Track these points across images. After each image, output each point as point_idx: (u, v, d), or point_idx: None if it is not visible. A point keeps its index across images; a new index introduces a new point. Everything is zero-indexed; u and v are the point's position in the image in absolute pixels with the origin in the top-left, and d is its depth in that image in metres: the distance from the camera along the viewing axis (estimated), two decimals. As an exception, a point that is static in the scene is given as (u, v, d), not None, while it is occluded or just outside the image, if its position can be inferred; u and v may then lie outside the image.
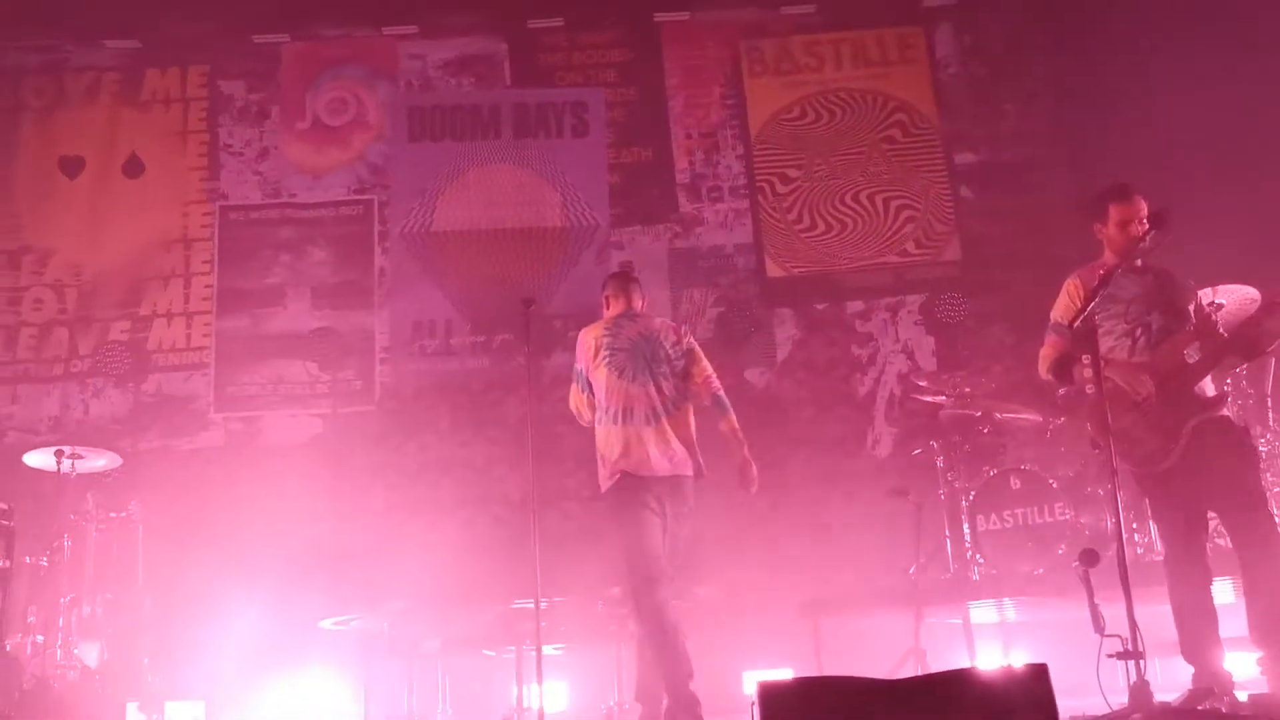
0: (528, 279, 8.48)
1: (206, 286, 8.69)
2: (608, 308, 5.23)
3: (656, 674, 4.52)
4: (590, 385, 4.91)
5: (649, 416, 4.83)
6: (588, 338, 5.01)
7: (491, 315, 8.40)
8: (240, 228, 8.82)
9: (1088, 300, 4.10)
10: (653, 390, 4.87)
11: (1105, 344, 4.35)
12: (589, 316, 8.73)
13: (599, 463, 4.95)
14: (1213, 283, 5.49)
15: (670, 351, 4.93)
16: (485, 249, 8.73)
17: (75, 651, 5.89)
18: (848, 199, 8.78)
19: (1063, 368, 4.45)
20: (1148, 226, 4.22)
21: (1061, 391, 5.61)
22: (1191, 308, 4.53)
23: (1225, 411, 4.38)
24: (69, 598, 5.97)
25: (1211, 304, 5.31)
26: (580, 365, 4.98)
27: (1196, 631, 4.09)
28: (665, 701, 4.56)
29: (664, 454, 4.82)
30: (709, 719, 6.26)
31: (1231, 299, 5.59)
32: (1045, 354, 4.62)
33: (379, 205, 8.88)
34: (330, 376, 8.47)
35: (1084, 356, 4.21)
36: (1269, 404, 5.64)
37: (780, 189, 8.86)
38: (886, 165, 8.81)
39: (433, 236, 8.81)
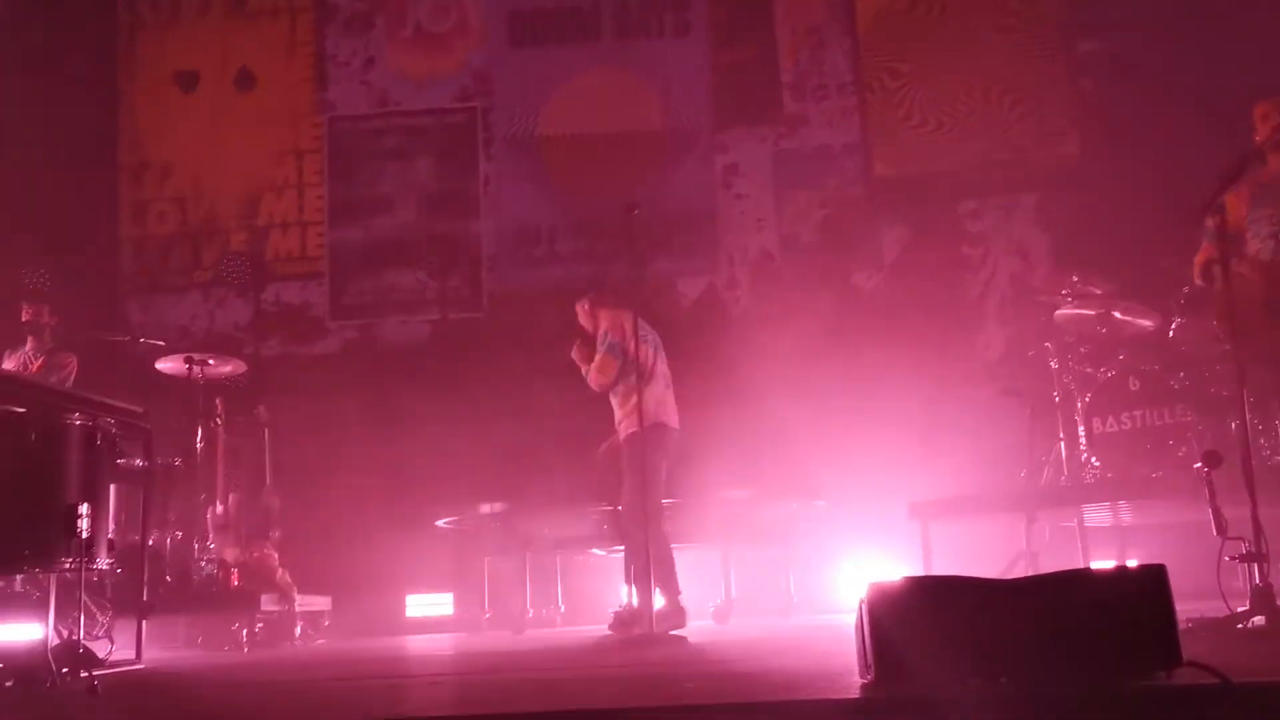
0: (631, 184, 8.43)
1: (318, 197, 8.89)
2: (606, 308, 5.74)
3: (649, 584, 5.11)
4: (624, 354, 5.51)
5: (668, 384, 5.72)
6: (623, 318, 5.56)
7: (596, 221, 8.40)
8: (349, 138, 8.96)
9: (1221, 188, 3.89)
10: (665, 367, 5.76)
11: (1252, 246, 4.22)
12: (693, 221, 8.81)
13: (630, 415, 5.40)
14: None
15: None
16: (588, 154, 8.70)
17: (211, 547, 6.22)
18: (960, 94, 8.47)
19: (1207, 269, 4.36)
20: None
21: (1186, 290, 5.40)
22: None
23: None
24: (204, 497, 6.30)
25: None
26: (616, 338, 5.52)
27: None
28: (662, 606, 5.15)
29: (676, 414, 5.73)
30: (817, 616, 6.37)
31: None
32: (1198, 259, 4.53)
33: (483, 112, 8.91)
34: (439, 284, 8.63)
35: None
36: None
37: (890, 85, 8.59)
38: (1002, 57, 8.45)
39: (536, 142, 8.82)
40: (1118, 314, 6.03)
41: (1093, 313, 6.06)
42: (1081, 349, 6.06)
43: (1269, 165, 4.51)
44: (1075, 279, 6.16)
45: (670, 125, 8.72)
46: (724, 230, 8.62)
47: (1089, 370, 5.99)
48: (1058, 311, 6.12)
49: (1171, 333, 5.79)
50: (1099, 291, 6.08)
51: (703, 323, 8.46)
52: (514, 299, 8.62)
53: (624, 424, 5.56)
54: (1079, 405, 5.91)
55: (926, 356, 7.94)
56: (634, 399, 5.36)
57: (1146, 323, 6.01)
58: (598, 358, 5.61)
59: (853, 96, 8.60)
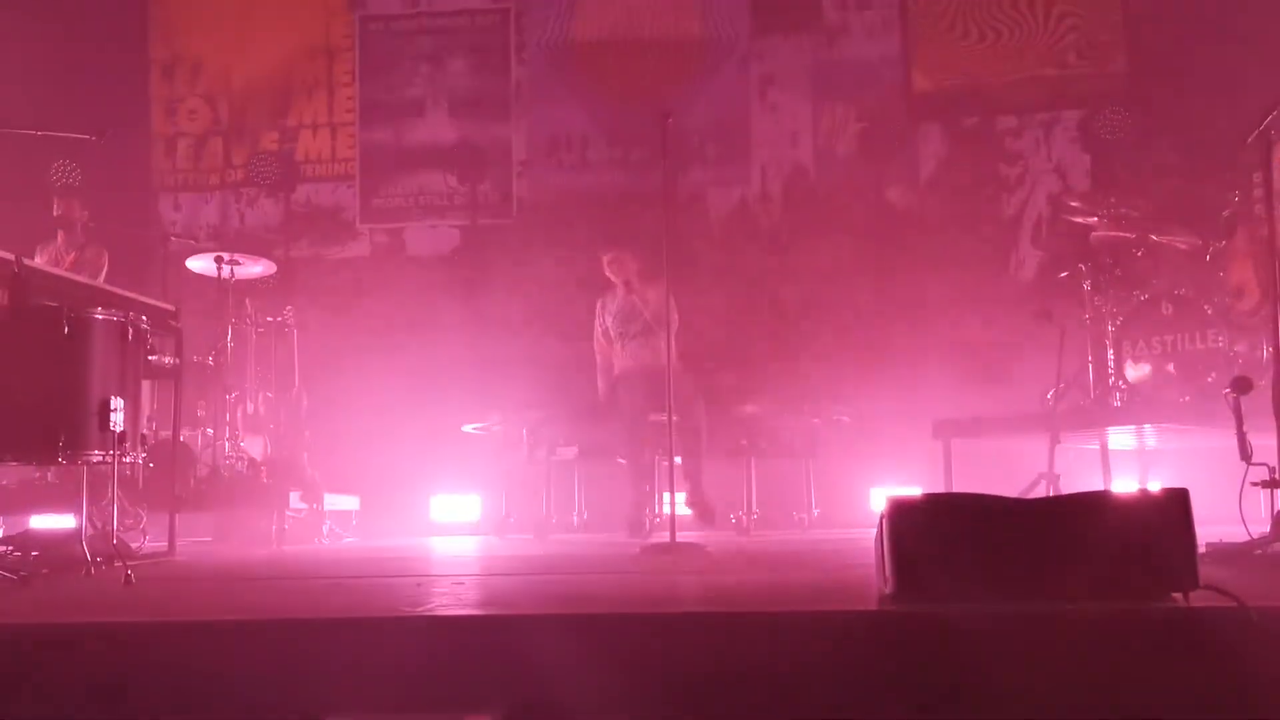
0: (666, 91, 8.30)
1: (349, 98, 8.81)
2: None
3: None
4: None
5: None
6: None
7: (629, 129, 8.29)
8: (380, 38, 8.83)
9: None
10: None
11: None
12: (728, 131, 8.68)
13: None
14: None
15: None
16: (622, 60, 8.55)
17: (241, 445, 6.32)
18: (1005, 5, 8.22)
19: None
20: None
21: (1226, 214, 5.29)
22: None
23: None
24: (234, 395, 6.37)
25: None
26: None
27: None
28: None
29: None
30: (837, 530, 6.43)
31: None
32: None
33: (516, 14, 8.75)
34: (469, 189, 8.59)
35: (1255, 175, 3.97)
36: None
37: (932, -7, 8.35)
38: (1050, -33, 8.18)
39: (570, 47, 8.67)
40: (1155, 237, 5.94)
41: (1130, 235, 5.97)
42: (1117, 271, 5.97)
43: None
44: (1113, 200, 6.05)
45: (707, 32, 8.54)
46: (758, 141, 8.49)
47: (1122, 293, 5.92)
48: (1094, 233, 6.03)
49: (1207, 257, 5.70)
50: (1137, 214, 5.98)
51: (733, 234, 8.39)
52: (544, 206, 8.57)
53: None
54: (1110, 328, 5.86)
55: (958, 275, 7.87)
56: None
57: (1184, 246, 5.91)
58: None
59: (894, 6, 8.37)
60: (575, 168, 8.60)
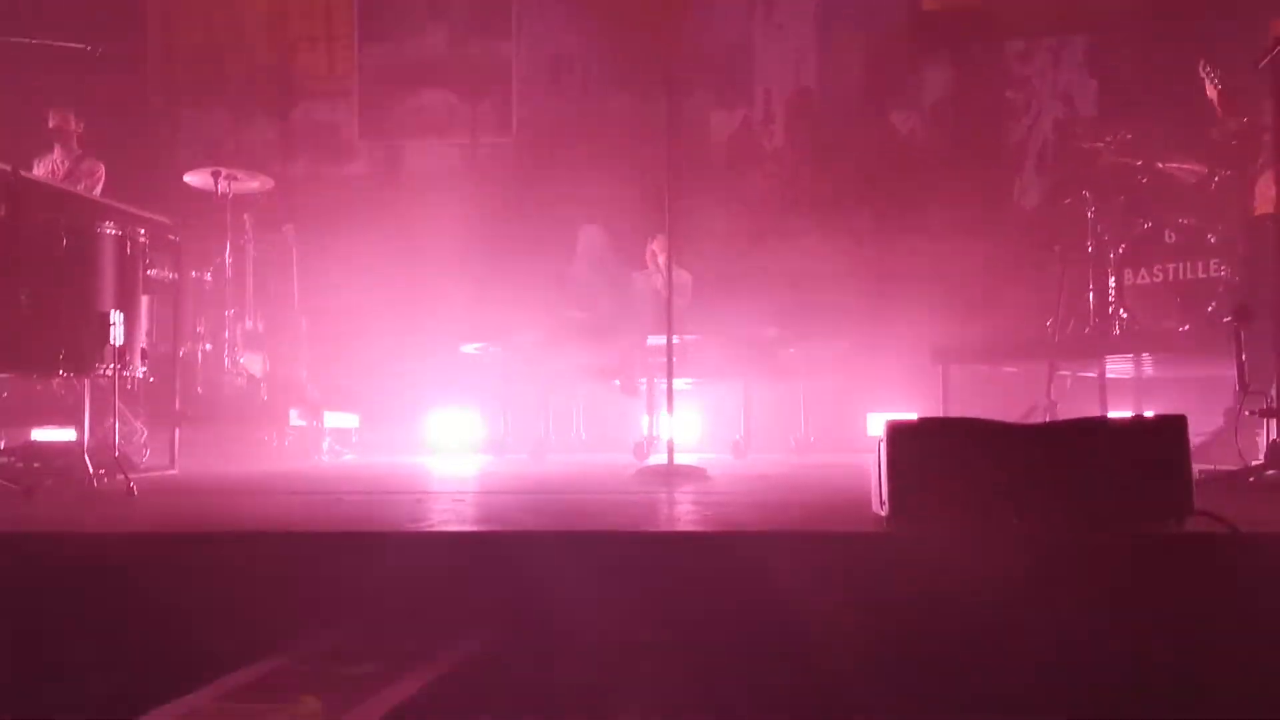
0: (668, 12, 8.14)
1: (347, 10, 8.65)
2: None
3: None
4: None
5: None
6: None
7: (631, 50, 8.15)
8: (378, -51, 8.65)
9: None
10: None
11: None
12: (731, 54, 8.53)
13: None
14: None
15: None
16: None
17: (241, 361, 6.32)
18: (1018, -78, 8.05)
19: None
20: None
21: (1235, 144, 5.24)
22: None
23: None
24: (232, 312, 6.35)
25: None
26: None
27: None
28: None
29: None
30: (834, 455, 6.48)
31: None
32: None
33: (519, -71, 8.56)
34: (469, 107, 8.48)
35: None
36: None
37: (944, -89, 8.16)
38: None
39: (573, -37, 8.49)
40: (1161, 165, 5.88)
41: (1136, 162, 5.91)
42: (1121, 198, 5.93)
43: None
44: (1120, 127, 5.99)
45: (711, -50, 8.36)
46: (761, 65, 8.36)
47: (1125, 221, 5.88)
48: (1099, 160, 5.97)
49: (1213, 186, 5.66)
50: (1143, 141, 5.92)
51: (735, 158, 8.31)
52: (544, 127, 8.47)
53: None
54: (1112, 256, 5.83)
55: (961, 201, 7.80)
56: None
57: (1189, 175, 5.86)
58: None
59: (902, -74, 8.19)
60: (576, 89, 8.48)
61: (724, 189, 8.17)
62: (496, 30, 8.57)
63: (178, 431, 4.88)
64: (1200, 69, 5.10)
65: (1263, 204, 4.89)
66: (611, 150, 8.24)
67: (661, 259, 6.45)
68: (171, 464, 4.78)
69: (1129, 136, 5.87)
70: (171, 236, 4.82)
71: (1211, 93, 5.16)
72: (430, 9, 8.59)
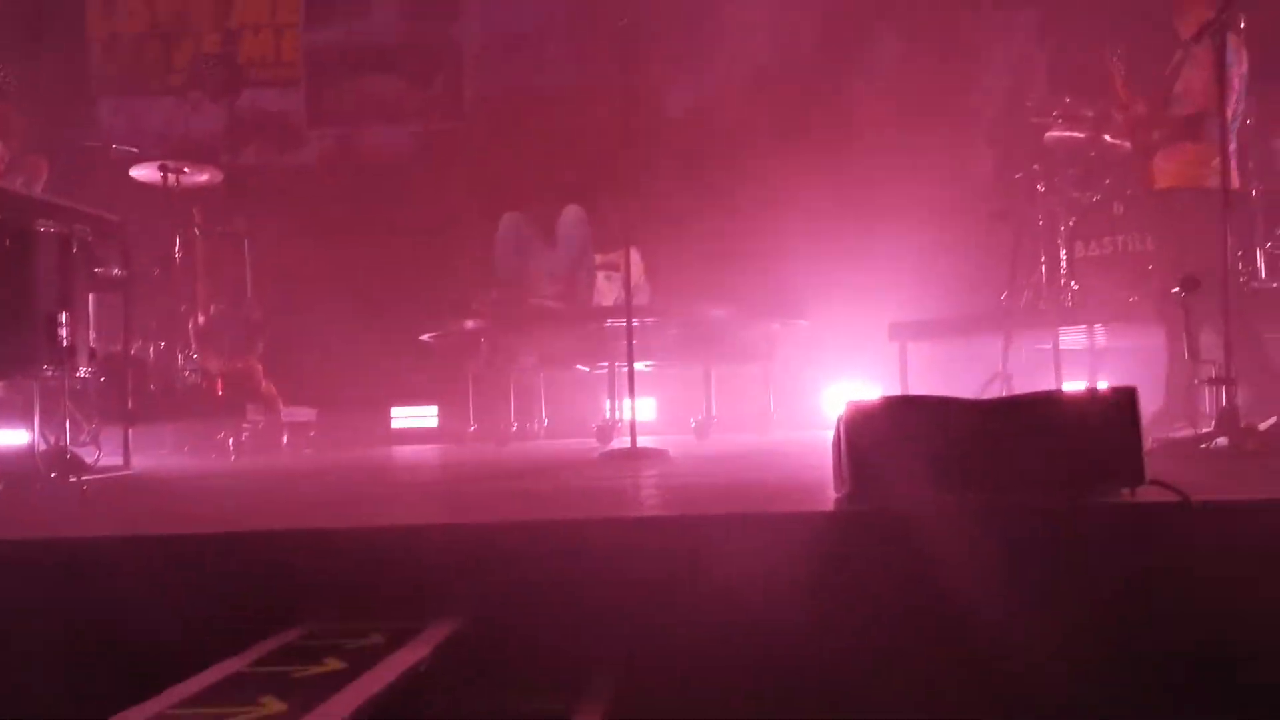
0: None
1: (292, -3, 8.53)
2: None
3: None
4: None
5: None
6: None
7: (584, 27, 8.10)
8: (323, -69, 8.52)
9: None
10: None
11: None
12: (687, 29, 8.47)
13: None
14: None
15: None
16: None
17: (195, 357, 6.24)
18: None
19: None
20: None
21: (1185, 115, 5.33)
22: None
23: None
24: (185, 307, 6.27)
25: None
26: None
27: None
28: None
29: None
30: (795, 433, 6.51)
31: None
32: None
33: (465, -94, 8.47)
34: (420, 91, 8.40)
35: None
36: None
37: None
38: None
39: (521, -60, 8.43)
40: (1108, 137, 5.95)
41: (1082, 135, 5.97)
42: (1070, 172, 6.00)
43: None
44: (1068, 100, 6.05)
45: (663, -74, 8.31)
46: (716, 40, 8.34)
47: (1075, 194, 5.95)
48: (1048, 133, 6.03)
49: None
50: (1090, 114, 5.98)
51: (691, 136, 8.30)
52: (498, 108, 8.40)
53: None
54: (1062, 229, 5.90)
55: (915, 176, 7.83)
56: None
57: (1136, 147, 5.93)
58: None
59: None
60: (529, 67, 8.41)
61: (680, 167, 8.15)
62: (444, 11, 8.48)
63: (130, 431, 4.81)
64: (1108, 56, 5.24)
65: (1162, 178, 4.98)
66: (566, 130, 8.20)
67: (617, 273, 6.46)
68: (125, 464, 4.72)
69: (1076, 110, 5.93)
70: (118, 233, 4.73)
71: (1117, 79, 5.29)
72: (377, -8, 8.49)
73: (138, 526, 2.88)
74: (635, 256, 6.13)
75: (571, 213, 6.82)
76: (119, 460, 4.75)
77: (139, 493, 3.98)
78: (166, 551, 2.44)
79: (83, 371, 3.95)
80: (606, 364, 6.27)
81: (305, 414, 6.84)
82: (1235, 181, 4.42)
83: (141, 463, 4.93)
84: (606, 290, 6.78)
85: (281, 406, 6.40)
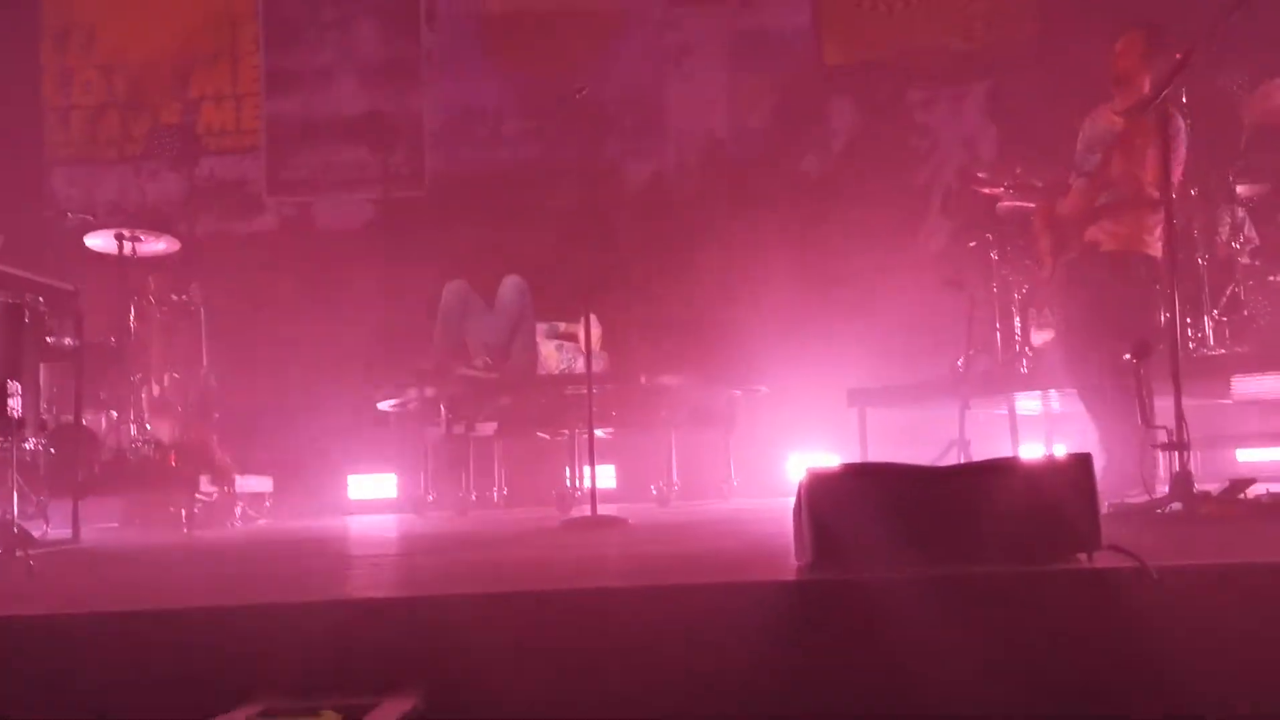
0: (580, 62, 8.23)
1: (253, 67, 8.57)
2: None
3: None
4: None
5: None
6: None
7: (543, 100, 8.21)
8: (286, 6, 8.61)
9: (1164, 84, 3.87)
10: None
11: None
12: (643, 102, 8.64)
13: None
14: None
15: None
16: (536, 30, 8.45)
17: (148, 428, 6.14)
18: (915, -26, 8.33)
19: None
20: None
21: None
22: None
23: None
24: (138, 377, 6.18)
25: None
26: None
27: None
28: None
29: None
30: (757, 500, 6.50)
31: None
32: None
33: (426, -18, 8.60)
34: (380, 161, 8.44)
35: None
36: None
37: (843, -35, 8.41)
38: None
39: (482, 16, 8.54)
40: (1058, 209, 6.07)
41: (1033, 205, 6.10)
42: (1021, 241, 6.11)
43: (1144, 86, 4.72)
44: (1019, 171, 6.18)
45: (621, 2, 8.49)
46: (673, 113, 8.48)
47: (1028, 262, 6.06)
48: (1000, 204, 6.15)
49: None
50: (1040, 184, 6.11)
51: (650, 206, 8.39)
52: (457, 178, 8.46)
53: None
54: (1016, 297, 6.00)
55: (872, 245, 7.97)
56: None
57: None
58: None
59: (805, -22, 8.42)
60: (489, 140, 8.50)
61: (639, 237, 8.23)
62: (406, 82, 8.56)
63: (80, 504, 4.71)
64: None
65: (1108, 242, 4.99)
66: (525, 201, 8.26)
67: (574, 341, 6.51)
68: (75, 538, 4.61)
69: (1026, 180, 6.06)
70: (72, 302, 4.68)
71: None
72: (338, 61, 8.56)
73: (85, 603, 2.81)
74: (594, 324, 6.16)
75: (510, 282, 6.83)
76: (68, 533, 4.64)
77: (87, 567, 3.89)
78: (115, 628, 2.38)
79: (31, 443, 3.87)
80: (567, 431, 6.26)
81: (261, 484, 6.73)
82: (1180, 250, 4.53)
83: (91, 536, 4.82)
84: (555, 359, 6.77)
85: (236, 477, 6.29)
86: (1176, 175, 4.41)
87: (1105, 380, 4.42)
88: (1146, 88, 4.68)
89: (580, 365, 6.18)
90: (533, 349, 6.75)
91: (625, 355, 6.96)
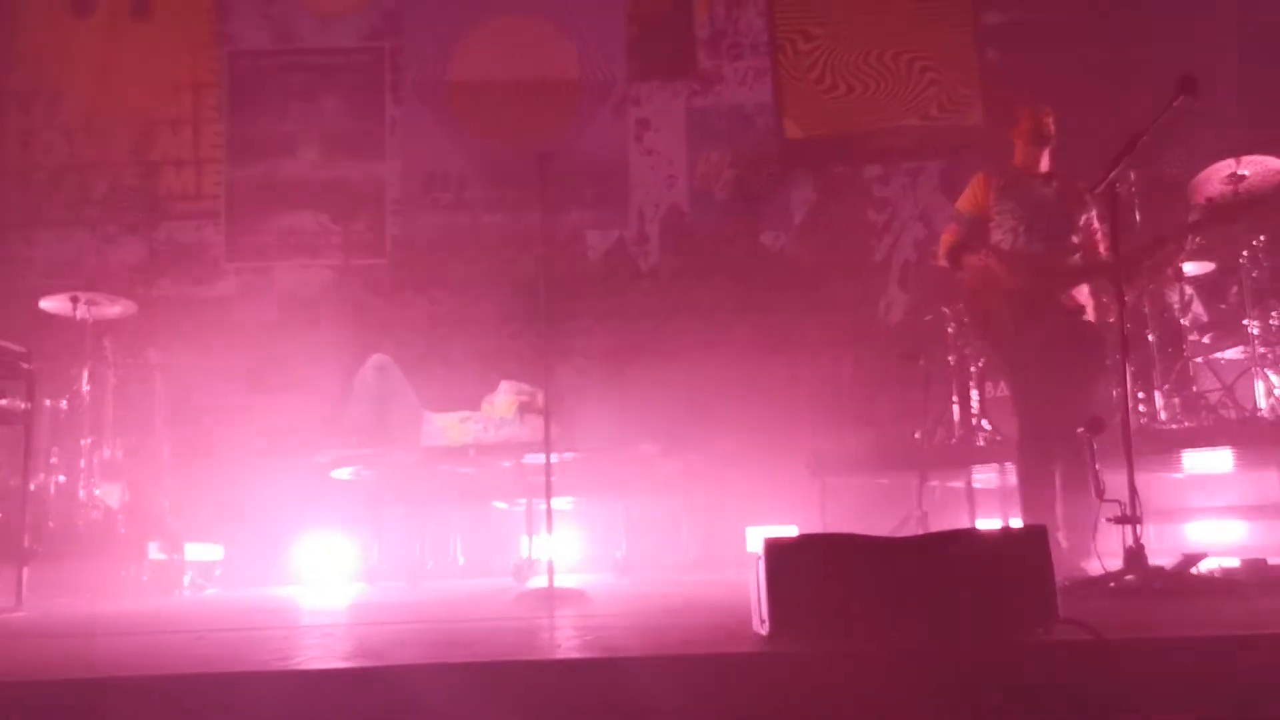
0: (543, 133, 8.34)
1: (216, 134, 8.60)
2: None
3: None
4: None
5: None
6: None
7: (506, 170, 8.29)
8: (249, 75, 8.66)
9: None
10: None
11: (995, 236, 4.74)
12: (604, 174, 8.75)
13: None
14: (1240, 153, 5.45)
15: None
16: (500, 101, 8.57)
17: (97, 493, 6.03)
18: (871, 59, 8.55)
19: (957, 254, 4.79)
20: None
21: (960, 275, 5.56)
22: (1082, 220, 4.75)
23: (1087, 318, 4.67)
24: (89, 441, 6.08)
25: (1233, 174, 5.31)
26: None
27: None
28: None
29: None
30: (716, 572, 6.47)
31: (1255, 170, 5.51)
32: (945, 239, 4.96)
33: (391, 53, 8.69)
34: (341, 228, 8.45)
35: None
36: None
37: (802, 47, 8.63)
38: (912, 23, 8.55)
39: (447, 86, 8.65)
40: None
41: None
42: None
43: (1016, 158, 4.87)
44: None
45: (584, 75, 8.63)
46: (635, 184, 8.59)
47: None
48: (954, 278, 6.25)
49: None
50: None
51: (611, 276, 8.45)
52: (419, 245, 8.48)
53: None
54: (973, 370, 6.08)
55: (830, 317, 8.07)
56: None
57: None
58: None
59: (766, 57, 8.62)
60: (451, 207, 8.55)
61: (601, 306, 8.27)
62: (370, 150, 8.61)
63: (25, 570, 4.60)
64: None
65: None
66: (487, 269, 8.29)
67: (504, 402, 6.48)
68: (18, 605, 4.49)
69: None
70: (24, 364, 4.61)
71: None
72: (302, 130, 8.60)
73: (28, 671, 2.73)
74: (523, 391, 6.19)
75: (370, 362, 6.85)
76: (11, 601, 4.52)
77: (31, 636, 3.78)
78: (59, 698, 2.31)
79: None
80: (524, 501, 6.21)
81: (211, 551, 6.61)
82: (1131, 324, 4.62)
83: (36, 603, 4.69)
84: (456, 431, 6.68)
85: (185, 544, 6.18)
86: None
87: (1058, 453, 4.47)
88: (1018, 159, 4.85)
89: (492, 437, 6.23)
90: (410, 425, 6.70)
91: (583, 422, 6.94)
